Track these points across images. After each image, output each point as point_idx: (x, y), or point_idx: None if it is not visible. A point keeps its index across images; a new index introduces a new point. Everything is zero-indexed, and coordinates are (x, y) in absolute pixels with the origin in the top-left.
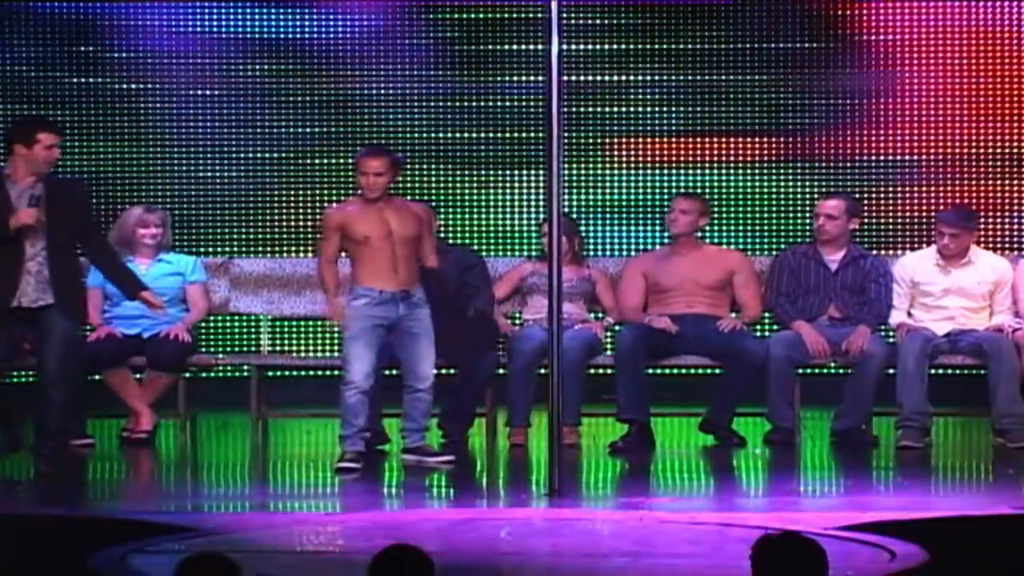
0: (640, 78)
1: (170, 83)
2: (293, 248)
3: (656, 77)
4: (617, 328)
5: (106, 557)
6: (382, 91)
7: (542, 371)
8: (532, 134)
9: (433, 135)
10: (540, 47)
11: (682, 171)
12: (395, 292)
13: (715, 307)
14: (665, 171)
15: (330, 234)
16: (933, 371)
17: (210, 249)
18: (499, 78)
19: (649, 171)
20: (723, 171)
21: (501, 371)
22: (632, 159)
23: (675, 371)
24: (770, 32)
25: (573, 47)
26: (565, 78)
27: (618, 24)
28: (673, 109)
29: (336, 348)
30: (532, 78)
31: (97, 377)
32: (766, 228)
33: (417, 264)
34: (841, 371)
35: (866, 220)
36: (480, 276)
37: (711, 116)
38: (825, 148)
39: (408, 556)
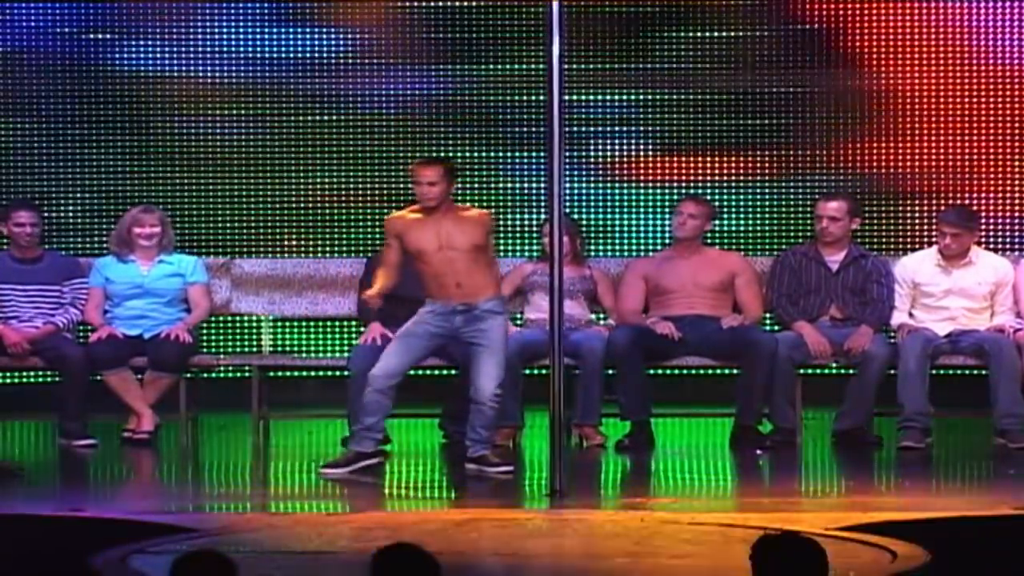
0: (640, 77)
1: (172, 83)
2: (295, 249)
3: (655, 80)
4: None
5: (107, 557)
6: (382, 90)
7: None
8: (535, 133)
9: (433, 133)
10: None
11: (684, 176)
12: (455, 306)
13: (716, 308)
14: (666, 174)
15: (390, 240)
16: (934, 372)
17: (211, 249)
18: (499, 72)
19: (650, 174)
20: (724, 173)
21: None
22: (633, 164)
23: (680, 372)
24: (770, 33)
25: (575, 46)
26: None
27: (619, 30)
28: (674, 112)
29: (337, 349)
30: (534, 75)
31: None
32: (766, 229)
33: (488, 273)
34: (843, 371)
35: (866, 221)
36: None
37: (712, 118)
38: (825, 148)
39: (409, 554)
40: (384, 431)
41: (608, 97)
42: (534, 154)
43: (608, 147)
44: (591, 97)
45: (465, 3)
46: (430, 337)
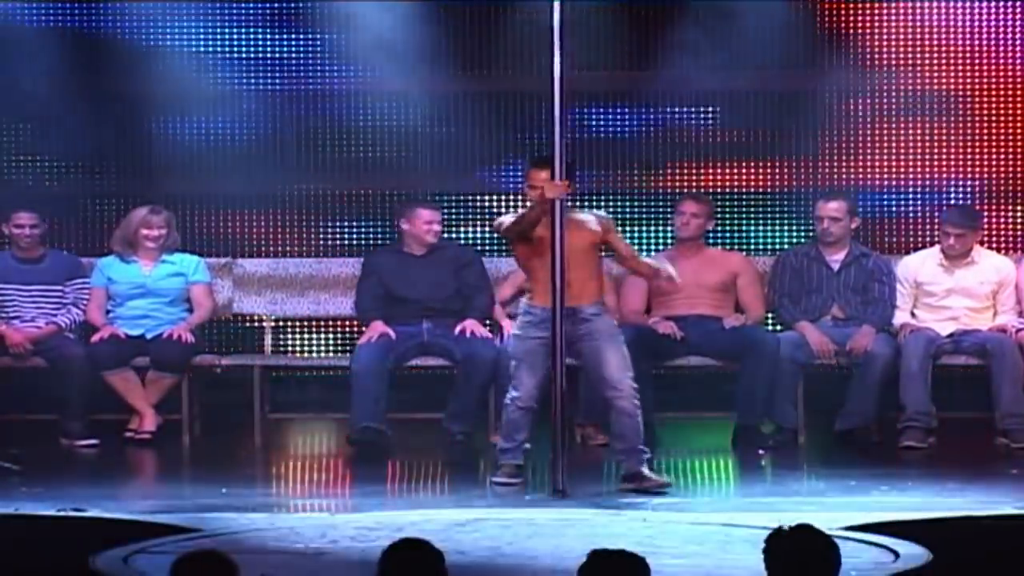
0: (642, 80)
1: (172, 83)
2: (296, 249)
3: (657, 79)
4: None
5: (109, 558)
6: (384, 88)
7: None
8: (536, 133)
9: (435, 133)
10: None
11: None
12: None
13: (718, 308)
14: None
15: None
16: (936, 371)
17: (213, 249)
18: (502, 74)
19: (651, 175)
20: (725, 173)
21: None
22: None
23: (682, 372)
24: (770, 34)
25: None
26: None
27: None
28: (675, 111)
29: (340, 349)
30: (535, 77)
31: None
32: (767, 229)
33: (596, 279)
34: (845, 371)
35: (868, 221)
36: (478, 274)
37: (713, 118)
38: (826, 148)
39: (418, 548)
40: (385, 431)
41: (610, 99)
42: (536, 156)
43: (610, 149)
44: (593, 100)
45: (468, 4)
46: (544, 344)
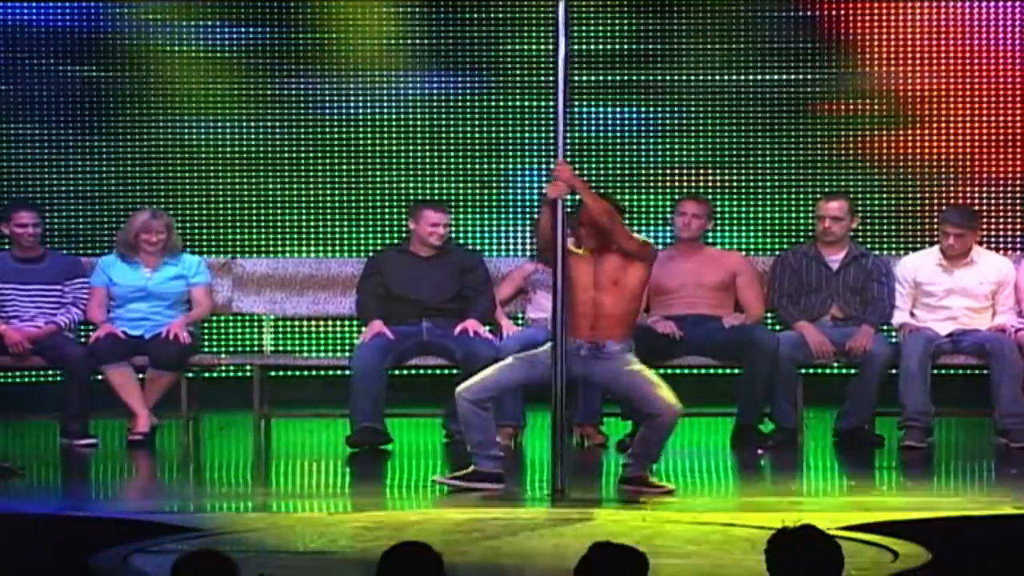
0: (643, 78)
1: (172, 82)
2: (296, 248)
3: (659, 77)
4: None
5: (108, 557)
6: (385, 89)
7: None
8: (537, 133)
9: (436, 134)
10: (547, 46)
11: (685, 173)
12: (581, 343)
13: (718, 308)
14: (668, 173)
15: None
16: (936, 371)
17: (213, 249)
18: (504, 77)
19: (652, 173)
20: (725, 171)
21: None
22: (635, 160)
23: (682, 371)
24: (769, 32)
25: (580, 47)
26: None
27: (621, 24)
28: (674, 108)
29: (339, 349)
30: (538, 77)
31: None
32: (767, 228)
33: (625, 315)
34: (844, 371)
35: (868, 220)
36: (481, 277)
37: (711, 116)
38: (825, 148)
39: (417, 552)
40: (384, 430)
41: (610, 98)
42: (536, 156)
43: (610, 148)
44: (595, 97)
45: (471, 6)
46: (547, 368)
